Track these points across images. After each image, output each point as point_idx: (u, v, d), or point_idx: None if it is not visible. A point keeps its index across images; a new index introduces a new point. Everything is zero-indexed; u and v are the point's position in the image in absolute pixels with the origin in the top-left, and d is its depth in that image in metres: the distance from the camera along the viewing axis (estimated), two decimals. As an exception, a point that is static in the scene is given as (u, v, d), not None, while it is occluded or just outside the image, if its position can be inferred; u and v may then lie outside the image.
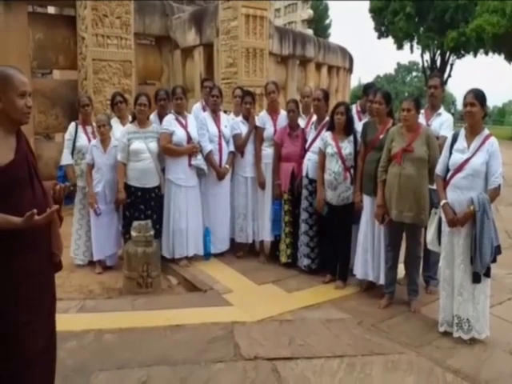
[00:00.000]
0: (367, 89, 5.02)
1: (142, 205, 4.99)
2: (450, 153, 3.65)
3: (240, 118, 5.40)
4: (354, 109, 5.29)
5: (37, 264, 2.27)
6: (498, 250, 3.48)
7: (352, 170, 4.55)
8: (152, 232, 4.61)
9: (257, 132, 5.26)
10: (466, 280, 3.54)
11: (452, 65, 35.37)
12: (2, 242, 2.12)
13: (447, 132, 4.38)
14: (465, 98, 3.57)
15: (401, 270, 4.39)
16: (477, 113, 3.51)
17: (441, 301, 3.78)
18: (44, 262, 2.34)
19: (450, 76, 35.70)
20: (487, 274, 3.53)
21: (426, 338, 3.68)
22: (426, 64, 36.64)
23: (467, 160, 3.51)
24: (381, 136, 4.32)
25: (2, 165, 2.12)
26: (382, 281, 4.34)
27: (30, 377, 2.27)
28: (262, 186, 5.23)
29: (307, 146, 4.92)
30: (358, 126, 4.69)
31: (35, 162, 2.39)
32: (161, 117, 5.26)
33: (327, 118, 4.80)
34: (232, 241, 5.51)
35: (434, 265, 4.59)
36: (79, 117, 5.27)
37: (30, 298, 2.23)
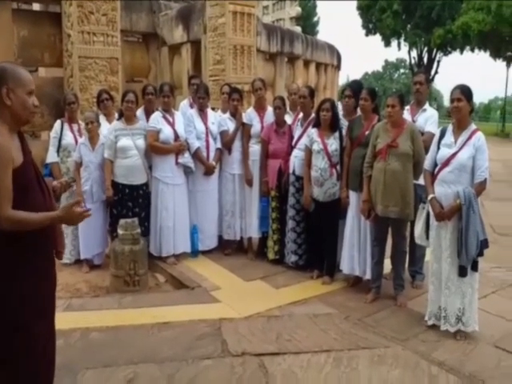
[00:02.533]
0: (352, 85, 5.04)
1: (129, 202, 4.98)
2: (438, 148, 3.69)
3: (227, 114, 5.40)
4: (341, 106, 5.32)
5: (46, 262, 2.29)
6: (485, 244, 3.51)
7: (338, 167, 4.57)
8: (139, 230, 4.59)
9: (244, 129, 5.27)
10: (453, 273, 3.58)
11: (439, 62, 35.70)
12: (15, 244, 2.12)
13: (432, 128, 4.43)
14: (451, 93, 3.61)
15: (387, 264, 4.42)
16: (463, 108, 3.55)
17: (429, 294, 3.81)
18: (51, 260, 2.37)
19: (436, 73, 36.02)
20: (474, 268, 3.57)
21: (411, 331, 3.72)
22: (413, 61, 36.92)
23: (454, 154, 3.56)
24: (366, 132, 4.35)
25: (16, 166, 2.10)
26: (368, 275, 4.37)
27: (35, 377, 2.28)
28: (250, 183, 5.24)
29: (294, 142, 4.93)
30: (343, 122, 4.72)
31: (35, 162, 2.38)
32: (147, 112, 5.25)
33: (313, 115, 4.82)
34: (220, 238, 5.51)
35: (419, 259, 4.65)
36: (65, 115, 5.23)
37: (37, 297, 2.23)
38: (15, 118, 2.15)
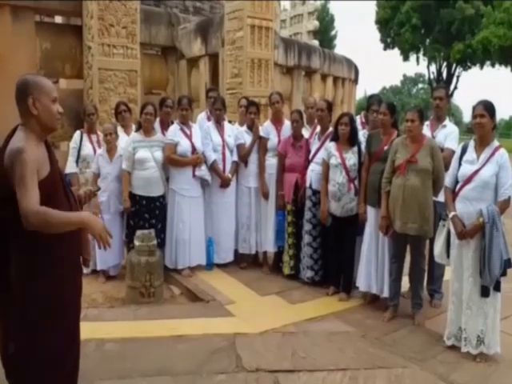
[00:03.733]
0: (371, 99, 5.02)
1: (146, 214, 4.99)
2: (460, 164, 3.63)
3: (244, 127, 5.41)
4: (359, 120, 5.29)
5: (71, 270, 2.34)
6: (508, 264, 3.42)
7: (356, 181, 4.53)
8: (155, 241, 4.59)
9: (260, 142, 5.26)
10: (474, 293, 3.50)
11: (458, 77, 35.35)
12: (43, 254, 2.16)
13: (452, 144, 4.36)
14: (474, 109, 3.55)
15: (405, 282, 4.34)
16: (486, 124, 3.49)
17: (448, 314, 3.72)
18: (76, 268, 2.43)
19: (456, 88, 35.67)
20: (497, 288, 3.48)
21: (429, 351, 3.64)
22: (432, 76, 36.65)
23: (476, 171, 3.49)
24: (385, 147, 4.31)
25: (44, 177, 2.14)
26: (385, 293, 4.30)
27: (55, 379, 2.30)
28: (266, 196, 5.22)
29: (311, 156, 4.91)
30: (361, 136, 4.68)
31: (61, 171, 2.46)
32: (163, 125, 5.29)
33: (331, 129, 4.80)
34: (236, 252, 5.49)
35: (438, 278, 4.56)
36: (84, 125, 5.29)
37: (63, 304, 2.29)
38: (42, 127, 2.21)
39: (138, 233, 4.57)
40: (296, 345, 3.67)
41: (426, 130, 4.48)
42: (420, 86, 62.06)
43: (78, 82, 6.92)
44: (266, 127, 5.32)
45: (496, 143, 3.57)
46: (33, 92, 2.17)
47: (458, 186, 3.60)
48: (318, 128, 5.03)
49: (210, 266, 5.27)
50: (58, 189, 2.24)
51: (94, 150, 5.12)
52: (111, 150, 4.99)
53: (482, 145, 3.57)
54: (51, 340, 2.26)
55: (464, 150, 3.66)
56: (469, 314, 3.53)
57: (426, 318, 4.18)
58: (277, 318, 4.13)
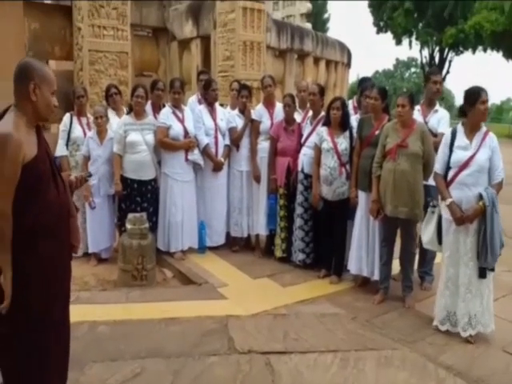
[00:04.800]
0: (363, 82, 5.00)
1: (138, 197, 4.98)
2: (451, 150, 3.63)
3: (236, 111, 5.38)
4: (351, 104, 5.28)
5: (59, 256, 2.30)
6: (501, 244, 3.52)
7: (348, 166, 4.54)
8: (147, 224, 4.59)
9: (253, 125, 5.25)
10: (474, 277, 3.55)
11: (450, 61, 35.35)
12: (29, 238, 2.14)
13: (445, 129, 4.36)
14: (479, 94, 3.50)
15: (396, 265, 4.39)
16: (486, 110, 3.53)
17: (440, 299, 3.74)
18: (65, 254, 2.39)
19: (448, 72, 35.67)
20: (492, 269, 3.56)
21: (419, 333, 3.69)
22: (424, 60, 36.61)
23: (472, 156, 3.51)
24: (376, 132, 4.31)
25: (29, 160, 2.12)
26: (376, 276, 4.34)
27: (45, 365, 2.30)
28: (257, 179, 5.23)
29: (303, 140, 4.91)
30: (353, 121, 4.68)
31: (52, 155, 2.41)
32: (155, 107, 5.26)
33: (323, 113, 4.79)
34: (228, 235, 5.51)
35: (429, 261, 4.61)
36: (74, 108, 5.23)
37: (52, 290, 2.27)
38: (36, 114, 2.19)
39: (130, 216, 4.57)
40: (287, 327, 3.71)
41: (418, 115, 4.48)
42: (413, 70, 61.85)
43: (67, 63, 6.83)
44: (258, 110, 5.30)
45: (484, 128, 3.60)
46: (35, 78, 2.14)
47: (453, 173, 3.59)
48: (311, 112, 5.01)
49: (203, 249, 5.29)
50: (45, 172, 2.21)
51: (84, 133, 5.08)
52: (101, 132, 4.95)
53: (472, 130, 3.58)
54: (39, 323, 2.24)
55: (454, 136, 3.65)
56: (468, 298, 3.56)
57: (416, 301, 4.23)
58: (268, 301, 4.17)
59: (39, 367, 2.28)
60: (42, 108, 2.18)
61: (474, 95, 3.51)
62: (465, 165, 3.53)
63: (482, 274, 3.52)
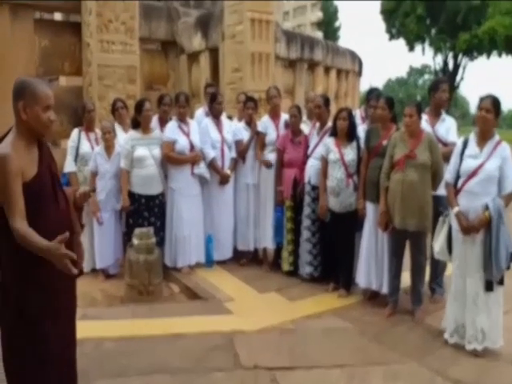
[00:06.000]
0: (371, 93, 4.96)
1: (145, 212, 4.99)
2: (461, 159, 3.59)
3: (242, 123, 5.38)
4: (358, 114, 5.24)
5: (61, 273, 2.26)
6: (511, 257, 3.42)
7: (355, 177, 4.49)
8: (154, 239, 4.59)
9: (258, 137, 5.24)
10: (481, 288, 3.48)
11: (464, 67, 35.01)
12: (30, 255, 2.14)
13: (455, 138, 4.32)
14: (481, 101, 3.52)
15: (406, 278, 4.30)
16: (490, 120, 3.47)
17: (450, 311, 3.68)
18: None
19: (462, 79, 35.34)
20: (501, 282, 3.47)
21: (428, 347, 3.62)
22: (437, 66, 36.34)
23: (481, 165, 3.46)
24: (384, 142, 4.26)
25: (28, 180, 2.14)
26: (385, 289, 4.27)
27: (48, 379, 2.32)
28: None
29: (309, 151, 4.88)
30: (360, 131, 4.64)
31: (57, 171, 2.42)
32: (162, 122, 5.28)
33: (329, 124, 4.76)
34: (235, 248, 5.48)
35: (440, 273, 4.54)
36: (83, 123, 5.28)
37: (55, 305, 2.29)
38: (31, 132, 2.22)
39: (137, 231, 4.57)
40: (294, 342, 3.66)
41: (426, 124, 4.42)
42: (426, 77, 61.54)
43: (77, 79, 6.92)
44: (264, 122, 5.30)
45: (497, 137, 3.54)
46: (25, 97, 2.16)
47: (462, 181, 3.55)
48: (318, 123, 4.99)
49: (211, 263, 5.26)
50: (45, 190, 2.23)
51: (92, 148, 5.11)
52: (109, 147, 4.98)
53: (484, 139, 3.53)
54: (45, 340, 2.26)
55: (465, 145, 3.62)
56: (475, 310, 3.49)
57: (427, 314, 4.15)
58: (275, 315, 4.12)
59: (41, 380, 2.29)
60: (35, 125, 2.20)
61: (479, 101, 3.54)
62: (473, 173, 3.48)
63: (489, 287, 3.44)
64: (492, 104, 3.45)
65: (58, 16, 9.27)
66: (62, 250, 2.04)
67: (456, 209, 3.54)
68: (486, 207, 3.38)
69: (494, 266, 3.35)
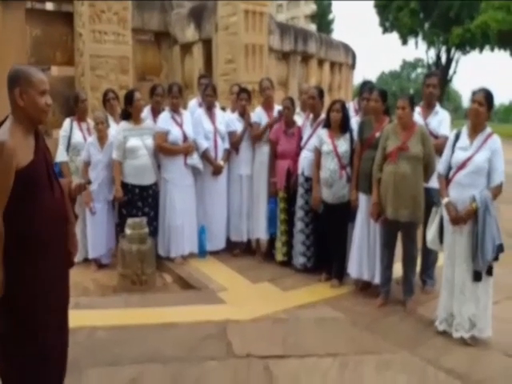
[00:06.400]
0: (364, 85, 4.98)
1: (139, 202, 4.99)
2: (453, 151, 3.63)
3: (236, 114, 5.38)
4: (352, 106, 5.26)
5: (55, 262, 2.32)
6: (500, 248, 3.45)
7: (348, 168, 4.51)
8: (146, 229, 4.60)
9: (252, 128, 5.25)
10: (467, 279, 3.52)
11: (457, 61, 35.14)
12: (24, 243, 2.17)
13: (447, 130, 4.35)
14: (474, 94, 3.55)
15: (398, 269, 4.34)
16: (482, 113, 3.50)
17: (441, 300, 3.74)
18: (61, 261, 2.40)
19: (455, 72, 35.48)
20: (489, 273, 3.51)
21: (420, 337, 3.66)
22: (430, 60, 36.44)
23: (470, 157, 3.50)
24: (377, 134, 4.28)
25: (23, 165, 2.15)
26: (377, 280, 4.31)
27: (43, 371, 2.34)
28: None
29: (303, 143, 4.89)
30: (354, 124, 4.66)
31: (52, 161, 2.44)
32: (154, 112, 5.27)
33: (323, 116, 4.77)
34: (228, 239, 5.50)
35: (431, 265, 4.58)
36: (75, 113, 5.25)
37: (47, 295, 2.29)
38: (29, 118, 2.23)
39: (129, 221, 4.58)
40: (287, 331, 3.69)
41: (418, 117, 4.45)
42: (419, 70, 61.72)
43: (69, 69, 6.88)
44: (257, 113, 5.31)
45: (489, 130, 3.57)
46: (21, 83, 2.18)
47: (452, 173, 3.61)
48: (311, 115, 5.00)
49: (203, 253, 5.28)
50: (40, 178, 2.24)
51: (85, 138, 5.10)
52: (102, 138, 4.97)
53: (475, 131, 3.57)
54: (36, 330, 2.28)
55: (457, 137, 3.67)
56: (462, 299, 3.55)
57: (419, 304, 4.20)
58: (268, 305, 4.15)
59: (37, 373, 2.31)
60: (32, 111, 2.21)
61: (472, 94, 3.58)
62: (462, 165, 3.53)
63: (477, 277, 3.49)
64: (485, 97, 3.48)
65: (49, 6, 9.18)
66: None
67: (446, 199, 3.60)
68: (474, 199, 3.42)
69: (479, 256, 3.40)
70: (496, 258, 3.46)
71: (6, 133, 2.14)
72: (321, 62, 12.05)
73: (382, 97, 4.32)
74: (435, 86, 4.50)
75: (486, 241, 3.38)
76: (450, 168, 3.65)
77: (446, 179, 3.66)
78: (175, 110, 5.08)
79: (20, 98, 2.18)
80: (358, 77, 20.78)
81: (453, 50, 34.13)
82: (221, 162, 5.23)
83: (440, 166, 3.76)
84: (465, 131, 3.63)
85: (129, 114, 4.94)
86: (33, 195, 2.19)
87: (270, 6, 8.37)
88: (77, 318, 3.74)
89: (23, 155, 2.15)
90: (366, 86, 4.91)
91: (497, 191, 3.48)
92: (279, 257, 5.08)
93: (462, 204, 3.51)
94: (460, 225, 3.53)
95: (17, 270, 2.17)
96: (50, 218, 2.25)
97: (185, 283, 4.69)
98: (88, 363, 3.14)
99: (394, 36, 35.34)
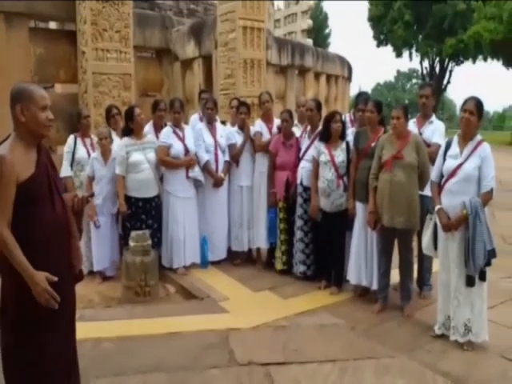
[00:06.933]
0: (359, 97, 5.11)
1: (143, 215, 5.06)
2: (444, 159, 3.73)
3: (236, 128, 5.51)
4: (348, 118, 5.39)
5: (56, 275, 2.30)
6: (492, 254, 3.52)
7: (345, 178, 4.62)
8: (149, 242, 4.68)
9: (255, 139, 5.37)
10: (460, 284, 3.60)
11: (451, 71, 35.49)
12: (24, 254, 2.19)
13: (439, 139, 4.45)
14: (465, 102, 3.63)
15: (396, 275, 4.43)
16: (473, 122, 3.59)
17: (438, 304, 3.83)
18: (64, 274, 2.40)
19: (449, 82, 35.80)
20: (482, 278, 3.58)
21: (418, 342, 3.73)
22: (425, 71, 36.78)
23: (460, 165, 3.60)
24: (372, 144, 4.39)
25: (24, 179, 2.20)
26: (375, 286, 4.39)
27: (47, 376, 2.37)
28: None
29: (301, 154, 5.01)
30: (349, 134, 4.78)
31: (56, 175, 2.49)
32: (156, 127, 5.39)
33: (321, 127, 4.89)
34: (229, 249, 5.59)
35: (427, 270, 4.65)
36: (79, 129, 5.36)
37: (50, 310, 2.28)
38: (30, 133, 2.29)
39: (133, 234, 4.66)
40: (287, 338, 3.76)
41: (413, 126, 4.58)
42: (414, 81, 62.18)
43: (72, 86, 7.00)
44: (258, 124, 5.45)
45: (479, 137, 3.66)
46: (22, 100, 2.25)
47: (443, 180, 3.71)
48: (309, 126, 5.12)
49: (205, 264, 5.36)
50: (40, 191, 2.28)
51: (88, 154, 5.20)
52: (105, 153, 5.07)
53: (465, 139, 3.67)
54: (46, 344, 2.32)
55: (448, 146, 3.77)
56: (456, 304, 3.63)
57: (416, 309, 4.28)
58: (269, 313, 4.22)
59: (40, 378, 2.35)
60: (33, 126, 2.28)
61: (463, 102, 3.67)
62: (452, 173, 3.63)
63: (470, 282, 3.56)
64: (475, 106, 3.58)
65: (52, 25, 9.35)
66: (45, 285, 2.16)
67: (437, 206, 3.70)
68: (464, 206, 3.51)
69: (471, 261, 3.47)
70: (488, 263, 3.53)
71: (6, 148, 2.21)
72: (317, 75, 12.24)
73: (377, 108, 4.44)
74: (428, 96, 4.62)
75: (477, 246, 3.46)
76: (442, 176, 3.74)
77: (439, 187, 3.76)
78: (177, 124, 5.21)
79: (21, 113, 2.25)
80: (355, 89, 20.99)
81: (446, 61, 34.49)
82: (221, 174, 5.34)
83: (433, 173, 3.87)
84: (456, 140, 3.73)
85: (130, 129, 5.05)
86: (33, 208, 2.23)
87: (267, 21, 8.54)
88: (82, 329, 3.78)
89: (24, 169, 2.21)
90: (362, 97, 5.04)
91: (487, 197, 3.55)
92: (279, 265, 5.17)
93: (453, 211, 3.60)
94: (452, 231, 3.62)
95: (23, 286, 2.19)
96: (48, 230, 2.28)
97: (187, 293, 4.76)
98: (94, 374, 3.19)
99: (389, 49, 35.59)
